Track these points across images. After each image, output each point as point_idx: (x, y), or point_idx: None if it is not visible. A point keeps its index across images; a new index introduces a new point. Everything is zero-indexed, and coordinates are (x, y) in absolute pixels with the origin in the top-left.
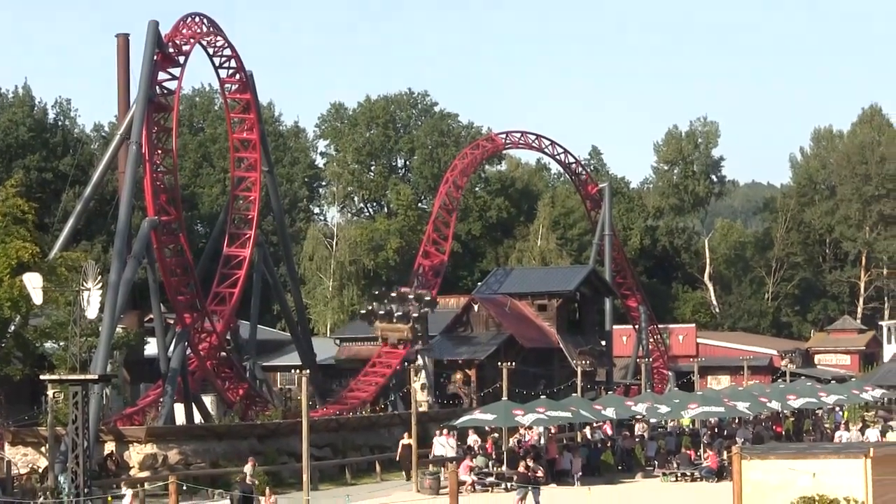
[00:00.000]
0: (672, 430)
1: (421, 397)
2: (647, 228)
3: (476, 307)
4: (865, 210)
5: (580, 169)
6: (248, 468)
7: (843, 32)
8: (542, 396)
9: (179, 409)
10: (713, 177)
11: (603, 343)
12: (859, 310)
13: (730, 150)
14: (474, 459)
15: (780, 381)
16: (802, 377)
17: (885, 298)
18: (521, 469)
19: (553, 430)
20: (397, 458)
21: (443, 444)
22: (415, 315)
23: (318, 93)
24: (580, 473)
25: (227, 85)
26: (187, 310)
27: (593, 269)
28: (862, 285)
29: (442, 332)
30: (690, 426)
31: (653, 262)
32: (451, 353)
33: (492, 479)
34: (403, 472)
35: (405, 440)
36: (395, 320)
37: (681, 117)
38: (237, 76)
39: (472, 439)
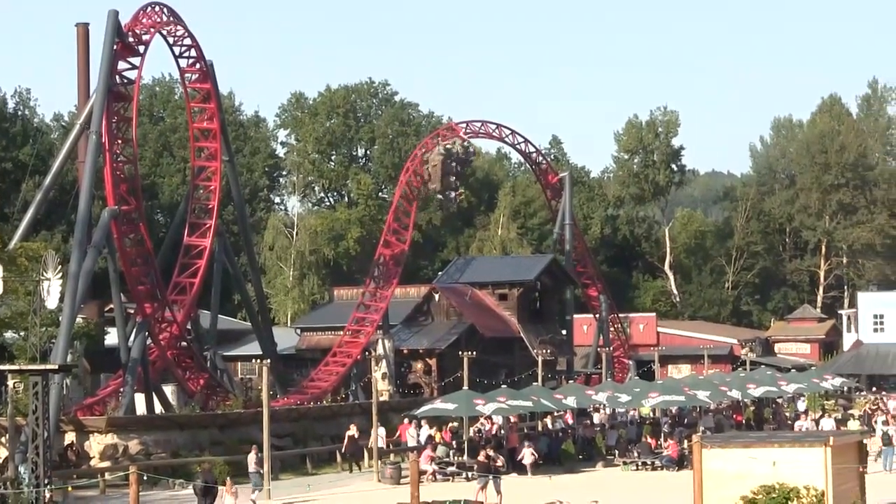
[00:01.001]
0: (633, 420)
1: (382, 387)
2: (607, 217)
3: (437, 297)
4: (825, 199)
5: (540, 158)
6: (252, 457)
7: (803, 22)
8: (503, 386)
9: (140, 399)
10: (673, 166)
11: (563, 332)
12: (819, 299)
13: (690, 140)
14: (435, 449)
15: (740, 369)
16: (762, 366)
17: (845, 287)
18: (481, 458)
19: (514, 420)
20: (343, 450)
21: (412, 436)
22: None
23: (279, 82)
24: (531, 461)
25: (187, 74)
26: (148, 300)
27: (554, 258)
28: (822, 274)
29: (402, 321)
30: (651, 415)
31: (613, 252)
32: (412, 342)
33: (453, 468)
34: (348, 465)
35: (351, 431)
36: None
37: (641, 107)
38: (197, 65)
39: (424, 431)
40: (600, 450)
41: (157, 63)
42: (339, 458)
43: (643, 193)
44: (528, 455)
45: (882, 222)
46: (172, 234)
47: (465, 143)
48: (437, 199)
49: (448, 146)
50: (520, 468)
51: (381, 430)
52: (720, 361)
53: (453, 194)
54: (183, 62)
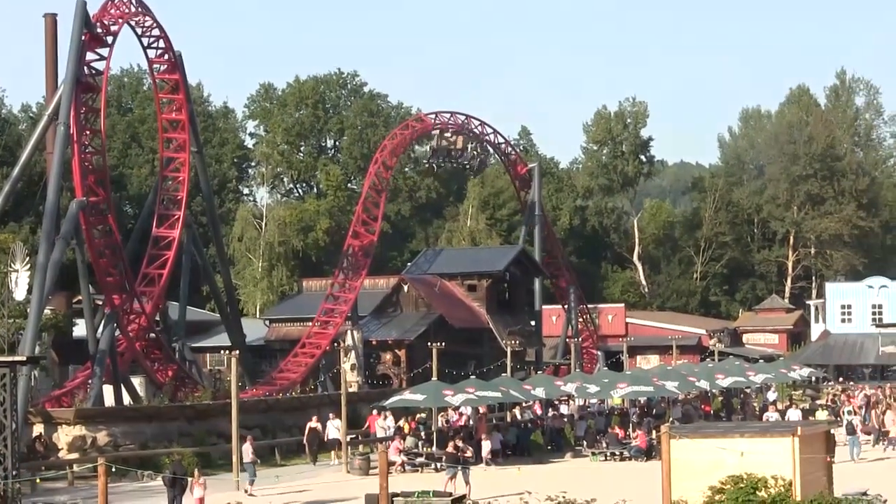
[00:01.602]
0: (601, 410)
1: (351, 378)
2: (576, 208)
3: (406, 288)
4: (793, 190)
5: (510, 149)
6: (247, 447)
7: (772, 13)
8: (472, 377)
9: (108, 391)
10: (642, 157)
11: (532, 323)
12: (787, 289)
13: (658, 131)
14: (404, 440)
15: (708, 360)
16: (731, 356)
17: (813, 278)
18: (450, 449)
19: (482, 411)
20: (304, 441)
21: (383, 427)
22: None
23: (248, 73)
24: (489, 456)
25: (155, 65)
26: (116, 291)
27: (523, 249)
28: (790, 265)
29: (371, 312)
30: (621, 405)
31: (582, 242)
32: (381, 333)
33: (421, 459)
34: (311, 457)
35: (312, 423)
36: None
37: (610, 98)
38: (166, 56)
39: (387, 423)
40: (569, 440)
41: (125, 54)
42: (307, 449)
43: (612, 184)
44: (484, 447)
45: (850, 213)
46: (141, 225)
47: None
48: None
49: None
50: (489, 458)
51: (337, 422)
52: (689, 352)
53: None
54: (151, 53)
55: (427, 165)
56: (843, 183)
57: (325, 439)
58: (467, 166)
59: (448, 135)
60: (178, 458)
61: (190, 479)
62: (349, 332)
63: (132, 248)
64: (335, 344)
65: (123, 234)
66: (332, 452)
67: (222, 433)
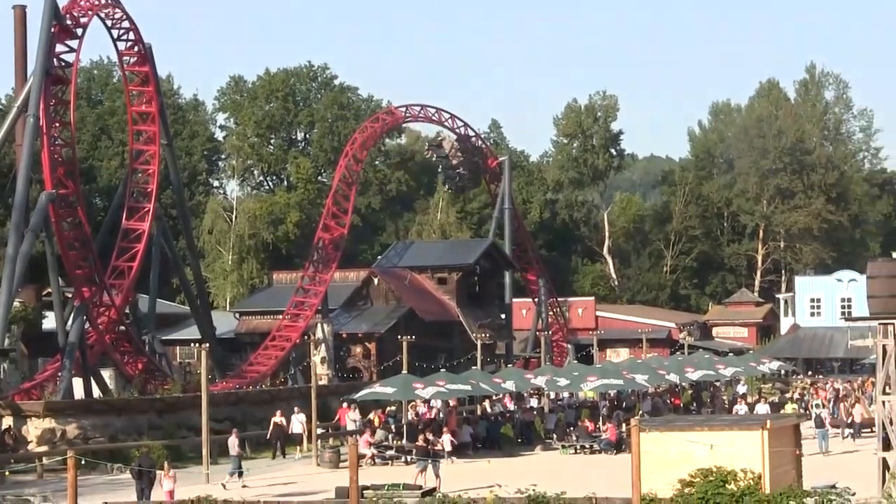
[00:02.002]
0: (571, 403)
1: (321, 371)
2: (546, 202)
3: (376, 281)
4: (763, 184)
5: (480, 142)
6: (232, 440)
7: (741, 6)
8: (442, 370)
9: (78, 384)
10: (612, 150)
11: (503, 316)
12: (756, 283)
13: (629, 124)
14: (374, 434)
15: (678, 353)
16: (700, 350)
17: (782, 271)
18: (420, 442)
19: (453, 404)
20: (268, 437)
21: (353, 420)
22: None
23: (218, 66)
24: (449, 450)
25: (125, 57)
26: (86, 283)
27: (493, 242)
28: (759, 258)
29: (342, 305)
30: (592, 398)
31: (552, 236)
32: (351, 326)
33: (392, 452)
34: (272, 452)
35: (276, 418)
36: None
37: (580, 91)
38: (136, 48)
39: (353, 416)
40: (539, 433)
41: (95, 46)
42: (278, 442)
43: (582, 178)
44: (447, 442)
45: (819, 207)
46: (111, 217)
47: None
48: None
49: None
50: (459, 452)
51: (301, 416)
52: (658, 345)
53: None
54: (121, 45)
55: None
56: (813, 177)
57: (290, 433)
58: (449, 182)
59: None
60: (146, 450)
61: (159, 472)
62: (319, 325)
63: (102, 241)
64: (305, 337)
65: (93, 227)
66: (297, 447)
67: (192, 426)
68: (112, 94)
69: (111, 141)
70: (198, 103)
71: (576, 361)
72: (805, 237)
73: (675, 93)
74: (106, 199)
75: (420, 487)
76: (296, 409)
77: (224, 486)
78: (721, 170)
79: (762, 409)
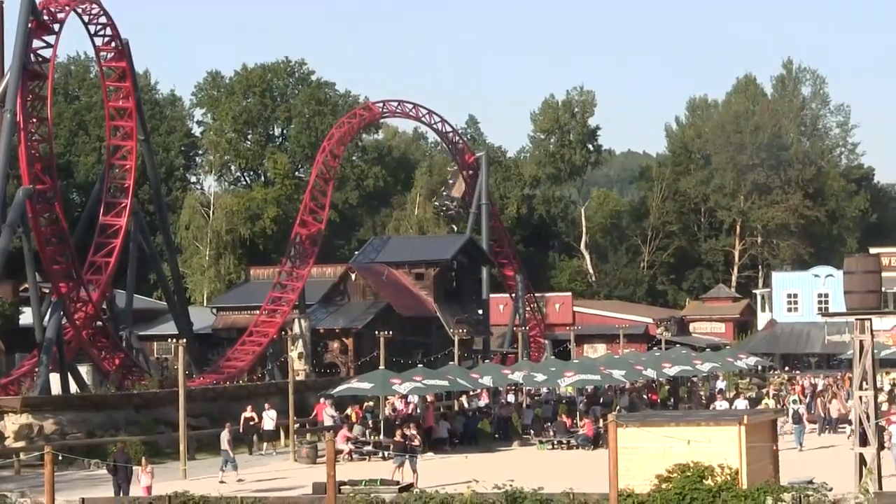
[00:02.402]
0: (548, 398)
1: (298, 366)
2: (523, 197)
3: (353, 276)
4: (740, 179)
5: (457, 138)
6: (224, 434)
7: (718, 1)
8: (420, 365)
9: (55, 379)
10: (589, 146)
11: (480, 312)
12: (734, 278)
13: (606, 120)
14: (351, 429)
15: (655, 349)
16: (677, 345)
17: (759, 267)
18: (397, 438)
19: (430, 399)
20: (240, 431)
21: (331, 415)
22: None
23: (195, 61)
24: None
25: (102, 53)
26: (63, 279)
27: (470, 237)
28: (736, 254)
29: (319, 301)
30: (569, 394)
31: (530, 231)
32: (328, 322)
33: (369, 447)
34: (247, 447)
35: (247, 413)
36: None
37: (557, 87)
38: (113, 44)
39: (330, 411)
40: (516, 429)
41: (72, 41)
42: (255, 438)
43: (559, 173)
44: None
45: (796, 202)
46: (88, 213)
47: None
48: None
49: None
50: (436, 447)
51: (272, 412)
52: (635, 341)
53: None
54: (98, 40)
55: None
56: (790, 172)
57: (261, 430)
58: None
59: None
60: (122, 446)
61: (136, 467)
62: (296, 320)
63: (79, 236)
64: (282, 332)
65: (70, 222)
66: (265, 444)
67: (169, 422)
68: (89, 89)
69: (88, 136)
70: (175, 98)
71: (553, 357)
72: (782, 233)
73: (653, 88)
74: (83, 194)
75: (397, 483)
76: (266, 405)
77: (221, 480)
78: (698, 165)
79: (741, 404)
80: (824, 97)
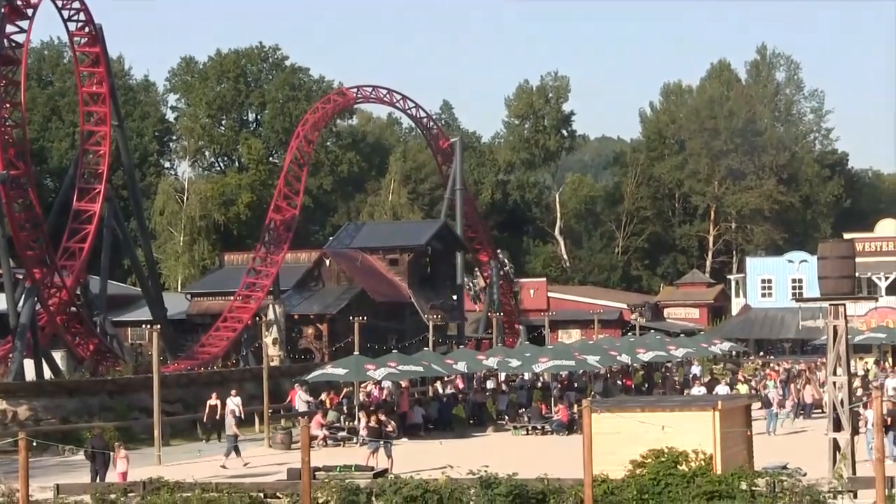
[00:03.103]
0: (523, 384)
1: (272, 352)
2: (498, 183)
3: (328, 262)
4: (714, 165)
5: (431, 123)
6: (229, 420)
7: None
8: (394, 351)
9: (29, 365)
10: (564, 131)
11: (454, 297)
12: (708, 263)
13: (580, 105)
14: (326, 415)
15: (629, 334)
16: (651, 331)
17: (733, 252)
18: (372, 423)
19: (405, 385)
20: (204, 419)
21: (305, 401)
22: None
23: (169, 46)
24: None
25: (76, 38)
26: (37, 265)
27: (444, 223)
28: (710, 239)
29: (293, 286)
30: (544, 380)
31: (504, 217)
32: (303, 307)
33: (343, 433)
34: (206, 435)
35: (212, 401)
36: None
37: (532, 72)
38: (86, 29)
39: (305, 397)
40: (491, 414)
41: (45, 26)
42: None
43: (533, 159)
44: (362, 428)
45: (770, 188)
46: (62, 198)
47: None
48: None
49: None
50: (410, 432)
51: (237, 399)
52: (610, 326)
53: None
54: (72, 25)
55: None
56: (764, 158)
57: (221, 417)
58: None
59: None
60: (99, 432)
61: (111, 453)
62: (271, 306)
63: (53, 222)
64: (257, 318)
65: (44, 208)
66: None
67: (144, 407)
68: (63, 74)
69: (62, 122)
70: (149, 84)
71: (528, 342)
72: (756, 218)
73: (627, 73)
74: (57, 180)
75: (372, 469)
76: (232, 392)
77: (223, 465)
78: (672, 151)
79: (722, 390)
80: (798, 83)
